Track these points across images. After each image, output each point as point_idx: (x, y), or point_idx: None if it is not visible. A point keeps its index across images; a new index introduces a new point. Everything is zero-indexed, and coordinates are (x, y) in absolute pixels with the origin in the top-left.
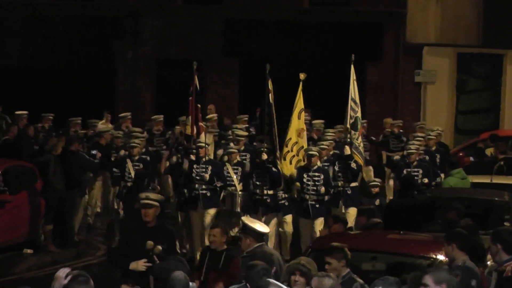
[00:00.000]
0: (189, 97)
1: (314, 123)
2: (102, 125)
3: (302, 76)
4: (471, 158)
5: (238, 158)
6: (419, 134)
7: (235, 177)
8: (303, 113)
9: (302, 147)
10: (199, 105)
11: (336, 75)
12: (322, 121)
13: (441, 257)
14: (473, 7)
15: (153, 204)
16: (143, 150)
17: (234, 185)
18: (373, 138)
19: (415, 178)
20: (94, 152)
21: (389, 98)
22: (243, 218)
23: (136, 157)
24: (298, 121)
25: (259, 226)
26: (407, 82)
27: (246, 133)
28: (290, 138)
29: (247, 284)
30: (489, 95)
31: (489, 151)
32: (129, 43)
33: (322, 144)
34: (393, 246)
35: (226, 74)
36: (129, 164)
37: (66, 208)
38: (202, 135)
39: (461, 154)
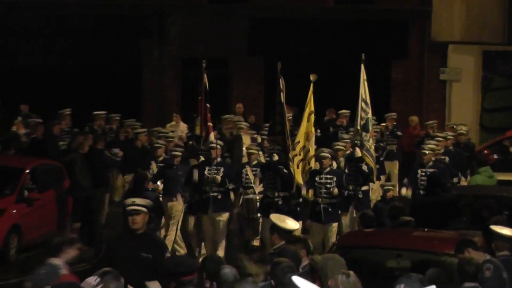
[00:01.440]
0: (199, 96)
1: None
2: (171, 127)
3: (312, 77)
4: (495, 156)
5: (259, 159)
6: (439, 135)
7: (253, 178)
8: (312, 115)
9: (309, 151)
10: (208, 105)
11: (360, 74)
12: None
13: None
14: (498, 5)
15: (140, 210)
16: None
17: (252, 187)
18: (399, 133)
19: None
20: (116, 150)
21: (414, 96)
22: (272, 216)
23: (161, 158)
24: (307, 124)
25: (290, 223)
26: (432, 80)
27: (256, 151)
28: (299, 142)
29: (272, 281)
30: None
31: None
32: (155, 42)
33: (338, 145)
34: (417, 244)
35: (251, 72)
36: (153, 165)
37: (93, 206)
38: (212, 136)
39: (486, 151)
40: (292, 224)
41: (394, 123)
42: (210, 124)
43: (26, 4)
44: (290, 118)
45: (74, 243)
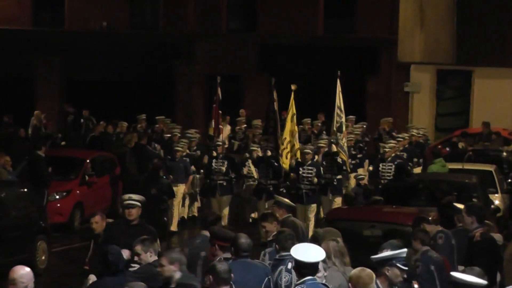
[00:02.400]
0: (213, 104)
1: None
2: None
3: (293, 87)
4: (447, 149)
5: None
6: (399, 136)
7: (254, 170)
8: (295, 117)
9: (294, 145)
10: (220, 111)
11: (342, 88)
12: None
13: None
14: (449, 34)
15: (135, 204)
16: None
17: (253, 176)
18: (395, 134)
19: (390, 171)
20: (155, 145)
21: (384, 104)
22: (276, 196)
23: (177, 159)
24: (291, 124)
25: (289, 202)
26: (398, 91)
27: (257, 148)
28: (285, 138)
29: (276, 245)
30: (461, 101)
31: (460, 145)
32: (185, 62)
33: (320, 143)
34: (387, 217)
35: (260, 86)
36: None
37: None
38: (223, 134)
39: (439, 146)
40: (290, 203)
41: (391, 126)
42: (221, 126)
43: (93, 32)
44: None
45: (220, 220)
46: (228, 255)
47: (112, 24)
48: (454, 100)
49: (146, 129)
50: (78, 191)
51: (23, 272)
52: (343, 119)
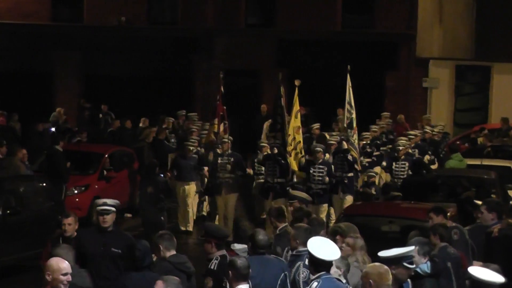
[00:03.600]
0: (217, 101)
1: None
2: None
3: (297, 82)
4: (466, 145)
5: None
6: (411, 132)
7: (263, 168)
8: (299, 113)
9: (299, 142)
10: (224, 107)
11: (360, 83)
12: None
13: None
14: (468, 29)
15: (110, 210)
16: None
17: (262, 173)
18: (392, 137)
19: (404, 169)
20: (173, 140)
21: (402, 99)
22: (292, 191)
23: (188, 155)
24: (295, 120)
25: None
26: (416, 87)
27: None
28: (290, 135)
29: (297, 240)
30: (479, 97)
31: (479, 140)
32: (204, 57)
33: (331, 140)
34: (405, 212)
35: (277, 81)
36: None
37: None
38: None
39: (458, 142)
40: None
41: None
42: (226, 122)
43: (111, 27)
44: (303, 114)
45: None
46: (223, 252)
47: (130, 19)
48: (473, 96)
49: (183, 125)
50: (96, 186)
51: (66, 264)
52: (354, 115)
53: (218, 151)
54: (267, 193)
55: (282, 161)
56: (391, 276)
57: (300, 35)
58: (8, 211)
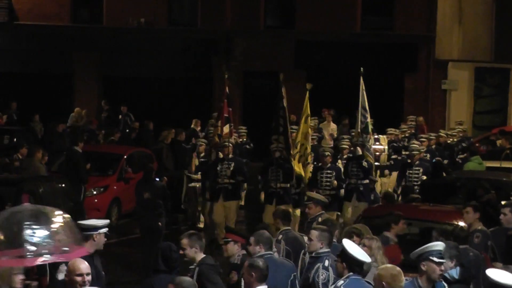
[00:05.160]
0: (222, 102)
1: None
2: (322, 126)
3: (308, 86)
4: (485, 147)
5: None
6: (423, 136)
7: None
8: (309, 118)
9: (307, 148)
10: (230, 109)
11: (380, 85)
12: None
13: (461, 223)
14: (487, 32)
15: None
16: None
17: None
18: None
19: (418, 175)
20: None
21: (422, 101)
22: (308, 193)
23: (202, 154)
24: (304, 125)
25: (322, 197)
26: (436, 89)
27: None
28: (299, 141)
29: (320, 242)
30: (499, 99)
31: (498, 143)
32: (223, 59)
33: (343, 144)
34: (424, 215)
35: (297, 82)
36: (195, 160)
37: (175, 183)
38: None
39: (477, 144)
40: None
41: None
42: (232, 124)
43: (131, 29)
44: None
45: (400, 220)
46: (243, 252)
47: (150, 20)
48: (492, 98)
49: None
50: (115, 187)
51: (83, 265)
52: (369, 119)
53: (220, 154)
54: (270, 199)
55: (286, 165)
56: (403, 277)
57: (319, 36)
58: None
